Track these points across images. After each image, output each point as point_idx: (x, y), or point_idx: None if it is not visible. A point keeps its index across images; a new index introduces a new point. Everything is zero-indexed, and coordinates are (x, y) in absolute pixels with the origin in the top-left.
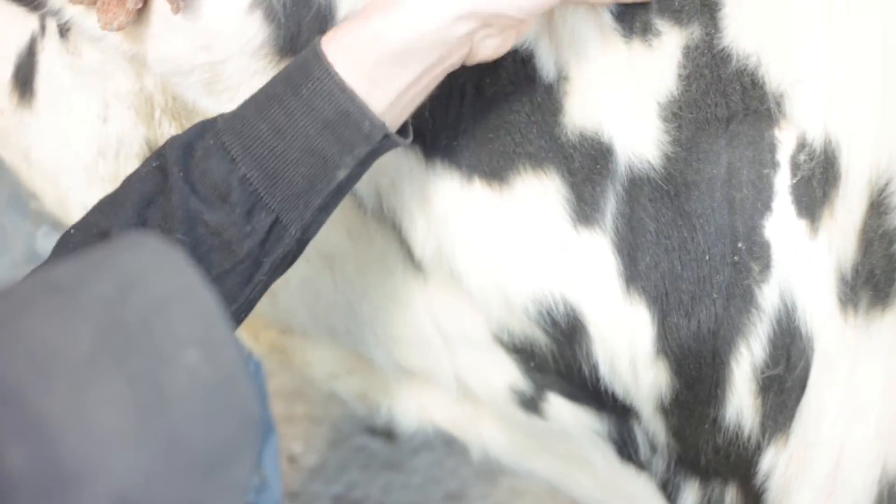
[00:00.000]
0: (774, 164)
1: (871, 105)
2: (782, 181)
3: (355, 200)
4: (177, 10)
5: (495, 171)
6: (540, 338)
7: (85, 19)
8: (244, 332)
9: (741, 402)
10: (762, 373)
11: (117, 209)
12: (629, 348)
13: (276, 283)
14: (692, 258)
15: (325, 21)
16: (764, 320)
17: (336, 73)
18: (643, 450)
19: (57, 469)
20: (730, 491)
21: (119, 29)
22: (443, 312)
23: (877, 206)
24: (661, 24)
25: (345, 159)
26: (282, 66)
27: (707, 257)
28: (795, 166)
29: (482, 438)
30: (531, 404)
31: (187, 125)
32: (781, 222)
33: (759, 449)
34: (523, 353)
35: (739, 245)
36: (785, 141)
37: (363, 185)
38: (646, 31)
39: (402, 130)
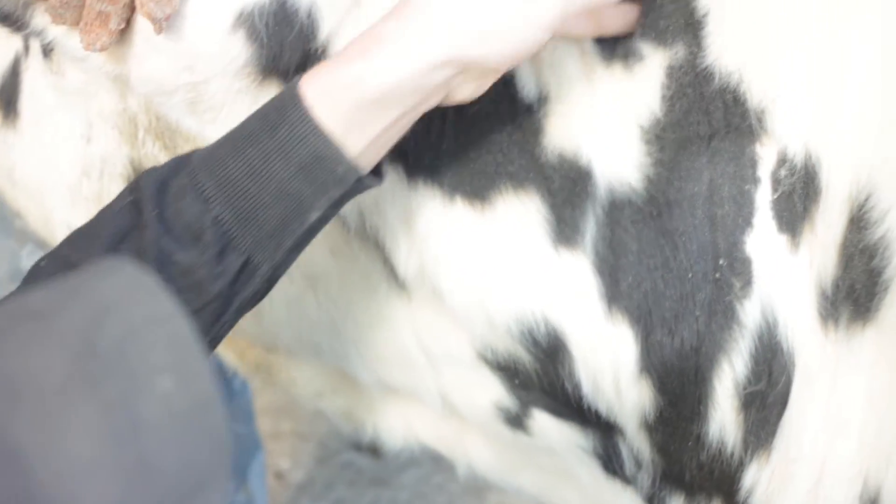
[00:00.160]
0: (755, 180)
1: (851, 121)
2: (763, 197)
3: (339, 219)
4: (159, 30)
5: (477, 190)
6: (523, 356)
7: (68, 39)
8: (229, 351)
9: (724, 419)
10: (744, 389)
11: (89, 243)
12: (612, 367)
13: (261, 303)
14: (674, 276)
15: (307, 40)
16: (745, 336)
17: (313, 117)
18: (628, 465)
19: (30, 498)
20: None
21: (102, 49)
22: (427, 331)
23: (857, 221)
24: (645, 47)
25: (318, 202)
26: (265, 85)
27: (689, 275)
28: (776, 182)
29: (468, 455)
30: (516, 421)
31: (171, 145)
32: (762, 238)
33: (741, 464)
34: (507, 371)
35: (721, 262)
36: (766, 157)
37: (347, 205)
38: (627, 55)
39: (376, 169)
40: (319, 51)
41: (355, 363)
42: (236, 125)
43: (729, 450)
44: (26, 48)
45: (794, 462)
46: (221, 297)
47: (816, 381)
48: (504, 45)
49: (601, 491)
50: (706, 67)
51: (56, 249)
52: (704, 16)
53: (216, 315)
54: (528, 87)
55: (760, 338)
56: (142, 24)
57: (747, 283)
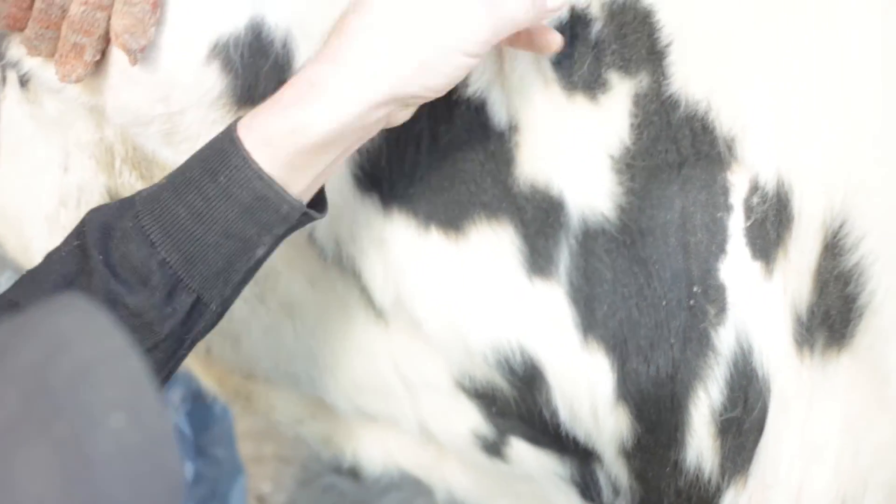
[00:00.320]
0: (728, 207)
1: (823, 148)
2: (736, 224)
3: (316, 249)
4: (134, 62)
5: (451, 219)
6: (501, 384)
7: (44, 71)
8: (209, 377)
9: (701, 445)
10: (720, 415)
11: (36, 287)
12: (589, 395)
13: (238, 331)
14: (649, 304)
15: (282, 71)
16: (721, 363)
17: (254, 162)
18: (606, 492)
19: None
20: None
21: (77, 81)
22: (404, 359)
23: (831, 248)
24: (611, 76)
25: (263, 239)
26: (240, 115)
27: (664, 302)
28: (749, 209)
29: (447, 481)
30: (494, 448)
31: (147, 174)
32: (736, 265)
33: (719, 490)
34: (485, 399)
35: (695, 289)
36: (738, 184)
37: (323, 234)
38: (591, 86)
39: (320, 198)
40: None
41: (333, 391)
42: (176, 169)
43: (706, 476)
44: (3, 78)
45: (770, 488)
46: (174, 335)
47: (792, 407)
48: (438, 75)
49: None
50: (671, 95)
51: (5, 293)
52: (667, 46)
53: (170, 352)
54: (499, 115)
55: (735, 364)
56: (117, 55)
57: (721, 310)
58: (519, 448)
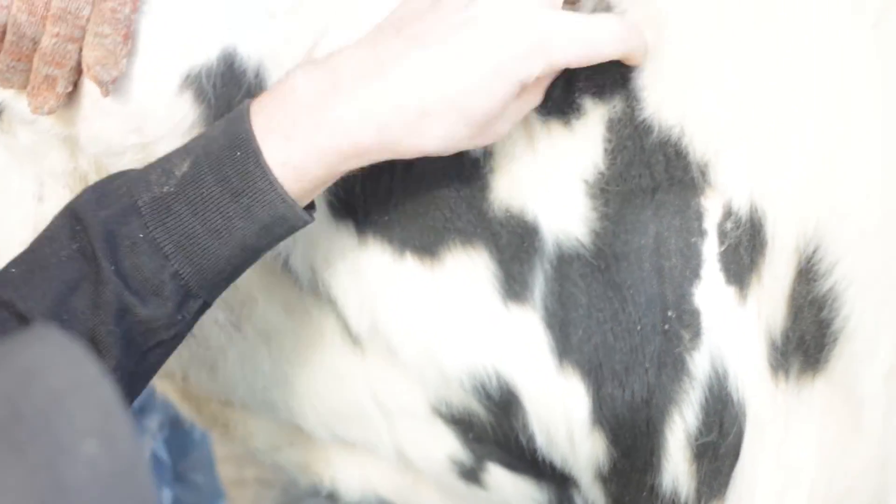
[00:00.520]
0: (702, 232)
1: (796, 173)
2: (710, 249)
3: (291, 277)
4: (106, 93)
5: (426, 245)
6: (477, 409)
7: (16, 102)
8: (187, 404)
9: (677, 470)
10: (696, 440)
11: (37, 292)
12: (565, 420)
13: (215, 358)
14: (624, 329)
15: None
16: (696, 388)
17: (280, 186)
18: None
19: None
20: None
21: (50, 112)
22: (381, 385)
23: (805, 273)
24: (584, 102)
25: (271, 245)
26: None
27: (638, 327)
28: (723, 234)
29: None
30: (471, 474)
31: None
32: (710, 290)
33: None
34: (462, 425)
35: (669, 313)
36: (711, 209)
37: (298, 262)
38: (565, 111)
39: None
40: None
41: (310, 418)
42: (188, 179)
43: (682, 500)
44: None
45: None
46: (179, 336)
47: (767, 432)
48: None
49: None
50: (644, 120)
51: None
52: (639, 71)
53: (171, 348)
54: None
55: (711, 389)
56: (89, 86)
57: (696, 334)
58: (496, 474)
